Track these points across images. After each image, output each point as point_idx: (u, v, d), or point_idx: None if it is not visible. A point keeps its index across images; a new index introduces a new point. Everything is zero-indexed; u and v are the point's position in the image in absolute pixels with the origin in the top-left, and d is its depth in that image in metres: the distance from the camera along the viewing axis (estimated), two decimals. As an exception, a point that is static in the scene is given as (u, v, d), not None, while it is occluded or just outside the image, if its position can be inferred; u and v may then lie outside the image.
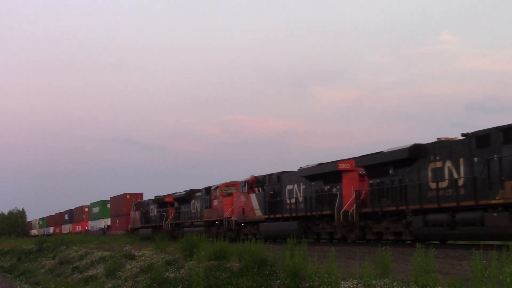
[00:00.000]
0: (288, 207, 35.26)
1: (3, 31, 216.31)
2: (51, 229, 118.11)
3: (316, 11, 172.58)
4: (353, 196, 30.07)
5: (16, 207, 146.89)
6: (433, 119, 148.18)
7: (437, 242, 26.52)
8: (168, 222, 52.04)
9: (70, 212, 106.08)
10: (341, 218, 29.89)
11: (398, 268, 14.04)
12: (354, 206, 29.78)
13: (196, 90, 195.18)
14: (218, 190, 44.52)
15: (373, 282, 11.47)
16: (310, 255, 14.66)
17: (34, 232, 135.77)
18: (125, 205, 67.51)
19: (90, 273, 25.10)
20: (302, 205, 33.86)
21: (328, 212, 31.46)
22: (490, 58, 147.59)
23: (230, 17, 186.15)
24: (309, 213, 33.23)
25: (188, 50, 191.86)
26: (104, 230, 77.13)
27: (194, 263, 17.53)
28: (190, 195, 49.36)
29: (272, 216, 36.82)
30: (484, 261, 10.23)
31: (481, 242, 21.30)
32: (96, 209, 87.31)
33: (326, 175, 32.20)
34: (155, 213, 55.88)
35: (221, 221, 43.35)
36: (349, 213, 29.77)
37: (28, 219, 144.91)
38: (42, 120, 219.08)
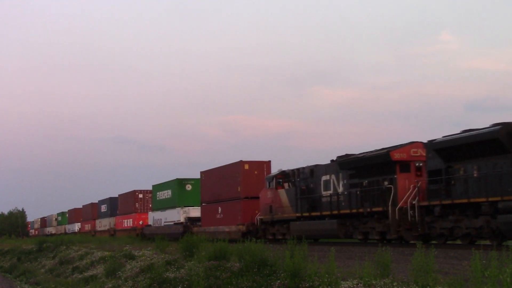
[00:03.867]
0: None
1: (4, 31, 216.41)
2: (76, 226, 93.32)
3: (315, 11, 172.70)
4: None
5: (16, 207, 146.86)
6: (432, 119, 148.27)
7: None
8: (402, 203, 26.08)
9: (112, 201, 74.92)
10: None
11: (398, 268, 14.03)
12: None
13: (196, 90, 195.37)
14: None
15: (373, 282, 11.47)
16: (310, 255, 14.66)
17: (49, 230, 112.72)
18: (240, 181, 40.88)
19: (90, 273, 25.13)
20: None
21: None
22: (489, 58, 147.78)
23: (230, 18, 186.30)
24: None
25: (187, 50, 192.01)
26: (187, 226, 48.97)
27: (194, 263, 17.55)
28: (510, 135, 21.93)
29: None
30: (484, 261, 10.23)
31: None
32: (165, 194, 56.91)
33: None
34: (342, 188, 30.13)
35: None
36: None
37: (29, 219, 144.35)
38: (42, 120, 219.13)
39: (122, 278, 20.66)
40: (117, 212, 71.28)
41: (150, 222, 60.02)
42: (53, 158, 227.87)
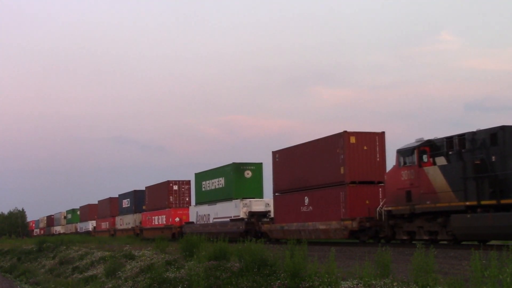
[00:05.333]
0: None
1: (4, 32, 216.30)
2: (90, 225, 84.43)
3: (315, 11, 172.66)
4: None
5: (16, 207, 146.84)
6: (432, 119, 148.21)
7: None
8: None
9: (137, 195, 64.53)
10: None
11: (398, 268, 14.03)
12: None
13: (195, 90, 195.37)
14: None
15: (373, 282, 11.47)
16: (310, 255, 14.67)
17: (57, 229, 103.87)
18: (345, 160, 30.12)
19: (90, 273, 25.12)
20: None
21: None
22: (489, 58, 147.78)
23: (230, 17, 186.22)
24: None
25: (187, 51, 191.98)
26: (251, 223, 39.37)
27: (194, 263, 17.55)
28: None
29: None
30: (484, 261, 10.24)
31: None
32: (215, 183, 45.65)
33: None
34: None
35: None
36: None
37: (29, 219, 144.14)
38: (42, 120, 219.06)
39: (122, 278, 20.66)
40: (144, 207, 61.71)
41: (192, 218, 49.75)
42: (53, 158, 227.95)
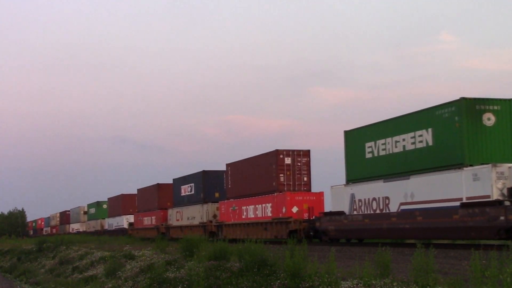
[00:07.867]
0: None
1: (4, 32, 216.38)
2: (125, 220, 67.89)
3: (314, 11, 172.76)
4: None
5: (16, 207, 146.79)
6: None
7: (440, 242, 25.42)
8: None
9: (207, 177, 47.37)
10: None
11: (398, 268, 14.04)
12: None
13: (195, 90, 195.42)
14: None
15: (373, 282, 11.47)
16: (310, 255, 14.67)
17: (75, 227, 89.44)
18: None
19: (90, 273, 25.13)
20: None
21: None
22: (489, 57, 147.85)
23: (229, 18, 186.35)
24: None
25: (187, 51, 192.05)
26: None
27: (194, 263, 17.55)
28: None
29: None
30: (484, 261, 10.24)
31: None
32: (408, 140, 26.52)
33: None
34: None
35: None
36: None
37: (29, 218, 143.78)
38: (42, 120, 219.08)
39: (122, 278, 20.67)
40: (221, 195, 45.28)
41: (338, 206, 30.86)
42: (54, 158, 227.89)
